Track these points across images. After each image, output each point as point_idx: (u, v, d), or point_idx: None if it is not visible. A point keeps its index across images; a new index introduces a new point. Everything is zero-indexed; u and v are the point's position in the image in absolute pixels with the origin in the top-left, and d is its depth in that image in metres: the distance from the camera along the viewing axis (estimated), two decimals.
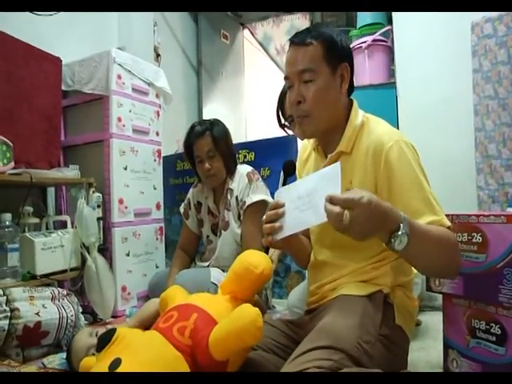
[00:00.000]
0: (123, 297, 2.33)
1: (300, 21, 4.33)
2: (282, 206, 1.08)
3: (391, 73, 2.62)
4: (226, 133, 2.07)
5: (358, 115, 1.17)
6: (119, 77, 2.39)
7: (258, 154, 2.63)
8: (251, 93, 4.72)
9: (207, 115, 3.79)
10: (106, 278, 2.12)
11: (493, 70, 2.14)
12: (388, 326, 1.07)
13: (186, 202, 2.23)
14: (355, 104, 1.20)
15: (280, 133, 2.08)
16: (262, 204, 1.99)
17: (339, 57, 1.14)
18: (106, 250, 2.26)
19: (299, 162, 1.39)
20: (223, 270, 1.99)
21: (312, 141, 1.29)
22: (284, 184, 1.21)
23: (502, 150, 2.12)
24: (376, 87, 2.40)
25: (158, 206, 2.65)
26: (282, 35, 4.35)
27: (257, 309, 1.02)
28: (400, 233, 0.88)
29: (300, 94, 1.12)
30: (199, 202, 2.17)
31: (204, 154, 1.98)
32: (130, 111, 2.47)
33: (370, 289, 1.10)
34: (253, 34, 4.43)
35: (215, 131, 2.00)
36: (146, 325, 1.58)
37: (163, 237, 2.68)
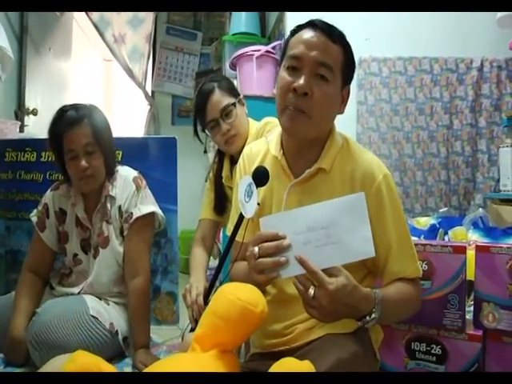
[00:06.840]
0: None
1: (144, 13, 3.96)
2: (284, 238, 0.91)
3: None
4: (107, 123, 1.66)
5: (338, 135, 1.13)
6: None
7: (127, 154, 2.19)
8: (76, 82, 4.05)
9: (30, 98, 3.04)
10: None
11: (376, 105, 2.34)
12: (373, 362, 1.04)
13: (40, 208, 1.69)
14: (334, 124, 1.13)
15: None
16: (151, 217, 1.67)
17: (350, 76, 1.10)
18: None
19: (240, 171, 1.22)
20: (100, 299, 1.60)
21: (274, 151, 1.13)
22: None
23: None
24: (265, 99, 2.29)
25: None
26: (122, 23, 3.87)
27: (308, 362, 0.79)
28: (372, 317, 0.91)
29: (308, 86, 1.00)
30: (62, 209, 1.68)
31: (80, 149, 1.54)
32: None
33: (353, 324, 0.98)
34: (87, 13, 3.80)
35: (96, 120, 1.59)
36: None
37: None
